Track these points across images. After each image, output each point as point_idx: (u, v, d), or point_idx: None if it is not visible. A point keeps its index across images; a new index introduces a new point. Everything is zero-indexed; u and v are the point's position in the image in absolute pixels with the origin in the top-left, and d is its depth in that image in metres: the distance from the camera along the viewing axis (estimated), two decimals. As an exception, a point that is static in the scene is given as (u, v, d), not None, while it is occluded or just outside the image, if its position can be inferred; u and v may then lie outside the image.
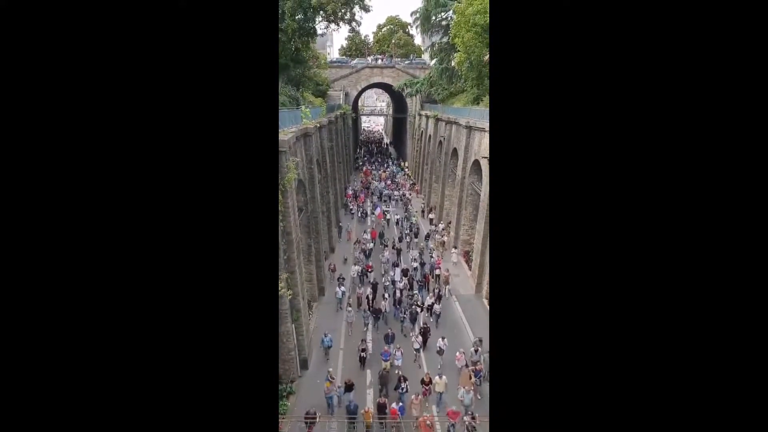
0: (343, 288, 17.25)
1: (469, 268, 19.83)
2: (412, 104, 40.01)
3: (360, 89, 41.23)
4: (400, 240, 24.29)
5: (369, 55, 48.48)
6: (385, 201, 32.07)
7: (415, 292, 17.38)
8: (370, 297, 16.80)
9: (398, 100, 47.38)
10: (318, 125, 19.17)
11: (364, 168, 41.79)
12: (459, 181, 21.98)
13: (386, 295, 16.71)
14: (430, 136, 31.26)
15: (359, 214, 29.39)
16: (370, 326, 15.49)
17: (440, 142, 27.67)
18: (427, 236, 24.02)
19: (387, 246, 22.36)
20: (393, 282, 17.95)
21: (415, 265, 19.82)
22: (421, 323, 15.15)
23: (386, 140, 68.07)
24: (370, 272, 19.13)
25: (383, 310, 16.01)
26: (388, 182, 36.83)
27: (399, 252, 21.72)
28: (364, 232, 24.32)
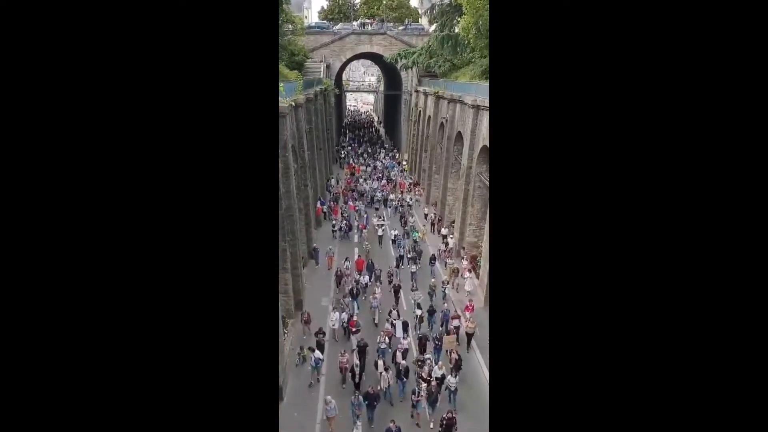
0: (318, 354, 13.48)
1: (477, 276, 19.81)
2: (408, 79, 39.94)
3: (345, 60, 41.07)
4: (398, 265, 20.47)
5: (355, 19, 48.30)
6: (377, 208, 28.65)
7: (428, 356, 13.50)
8: (357, 369, 13.08)
9: (391, 74, 47.30)
10: (293, 104, 19.00)
11: (349, 162, 39.04)
12: (464, 171, 21.95)
13: (381, 363, 12.96)
14: (429, 117, 31.23)
15: (341, 229, 25.00)
16: (360, 423, 11.45)
17: (442, 124, 27.66)
18: (434, 259, 21.11)
19: (378, 281, 18.61)
20: (389, 339, 14.31)
21: (419, 312, 16.11)
22: (445, 413, 11.24)
23: (377, 123, 67.98)
24: (354, 333, 14.89)
25: (381, 392, 12.30)
26: (383, 182, 34.06)
27: (397, 291, 17.92)
28: (346, 259, 20.22)
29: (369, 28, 41.72)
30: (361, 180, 34.41)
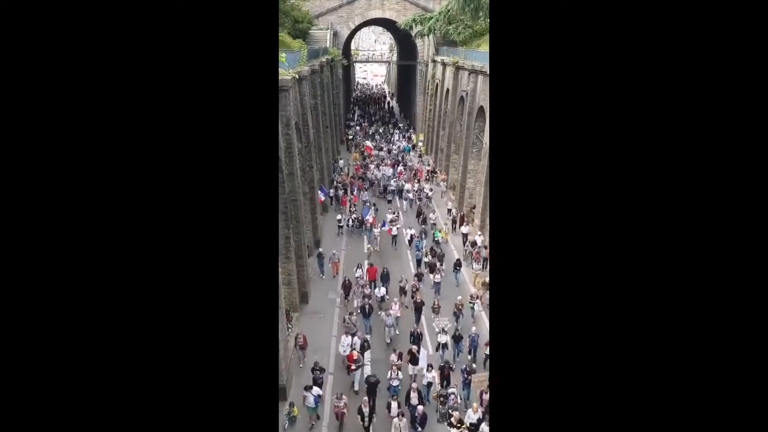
0: (316, 391, 11.63)
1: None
2: (424, 48, 39.68)
3: (354, 27, 40.88)
4: (419, 277, 18.15)
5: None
6: (390, 201, 27.33)
7: (452, 390, 11.99)
8: (366, 410, 11.21)
9: (405, 43, 46.98)
10: (297, 76, 19.02)
11: (365, 145, 37.13)
12: (487, 151, 21.86)
13: (395, 405, 11.35)
14: (447, 90, 31.06)
15: (349, 224, 23.70)
16: None
17: (462, 98, 27.52)
18: (458, 265, 19.21)
19: (403, 293, 16.98)
20: (399, 372, 12.56)
21: (445, 339, 14.05)
22: None
23: (390, 98, 67.68)
24: (354, 369, 13.05)
25: None
26: (399, 168, 32.09)
27: (419, 309, 15.94)
28: (357, 266, 18.66)
29: (381, -10, 41.30)
30: (371, 166, 32.94)
